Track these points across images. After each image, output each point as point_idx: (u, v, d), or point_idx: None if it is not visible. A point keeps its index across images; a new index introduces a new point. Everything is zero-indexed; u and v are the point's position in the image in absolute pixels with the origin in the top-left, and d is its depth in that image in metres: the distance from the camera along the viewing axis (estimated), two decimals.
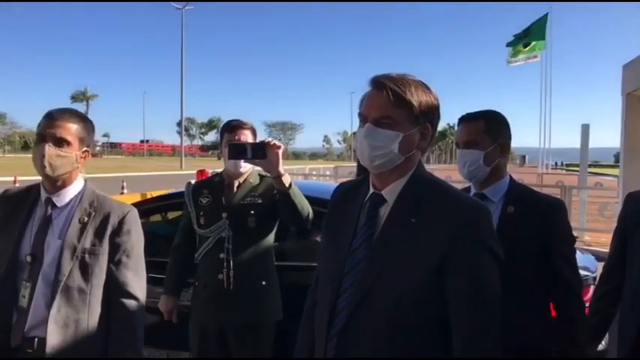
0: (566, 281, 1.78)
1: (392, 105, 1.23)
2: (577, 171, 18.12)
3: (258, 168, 2.37)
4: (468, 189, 1.99)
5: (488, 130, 1.87)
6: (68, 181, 1.76)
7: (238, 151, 2.13)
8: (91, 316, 1.72)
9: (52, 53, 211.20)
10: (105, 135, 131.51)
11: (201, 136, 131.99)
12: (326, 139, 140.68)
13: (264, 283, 2.42)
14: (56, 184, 1.75)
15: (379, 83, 1.25)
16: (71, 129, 1.71)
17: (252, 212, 2.40)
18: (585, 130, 12.23)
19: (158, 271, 2.85)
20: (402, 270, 1.19)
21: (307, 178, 17.33)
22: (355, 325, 1.23)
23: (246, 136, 2.44)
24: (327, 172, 23.02)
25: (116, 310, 1.75)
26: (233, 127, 2.45)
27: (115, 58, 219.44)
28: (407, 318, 1.19)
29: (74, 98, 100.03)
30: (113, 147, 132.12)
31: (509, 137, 1.92)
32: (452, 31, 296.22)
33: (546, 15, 25.24)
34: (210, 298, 2.41)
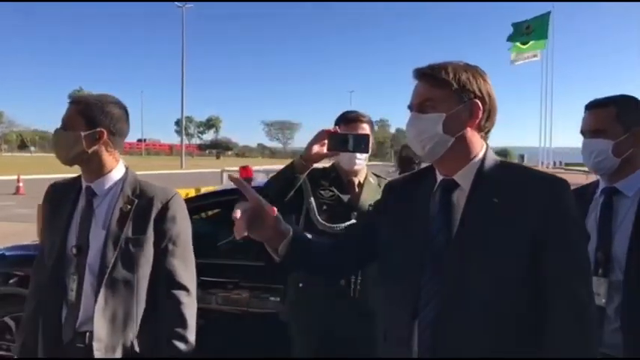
0: None
1: (430, 87, 1.25)
2: (577, 170, 18.06)
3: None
4: (595, 183, 1.86)
5: (619, 117, 1.70)
6: (102, 167, 1.72)
7: (339, 142, 1.93)
8: (139, 308, 1.67)
9: (50, 51, 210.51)
10: None
11: (199, 135, 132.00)
12: None
13: None
14: (91, 171, 1.72)
15: (417, 72, 1.29)
16: (76, 109, 1.68)
17: None
18: None
19: (201, 273, 2.80)
20: (493, 251, 1.16)
21: None
22: (451, 313, 1.18)
23: (365, 130, 2.24)
24: None
25: (165, 302, 1.68)
26: (350, 119, 2.27)
27: (112, 57, 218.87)
28: (503, 297, 1.16)
29: (71, 97, 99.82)
30: None
31: None
32: (453, 30, 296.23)
33: (548, 13, 25.31)
34: (330, 306, 2.17)
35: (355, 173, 2.30)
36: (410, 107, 1.30)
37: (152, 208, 1.70)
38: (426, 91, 1.26)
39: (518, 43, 25.40)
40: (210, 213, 3.96)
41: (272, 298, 3.06)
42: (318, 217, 2.21)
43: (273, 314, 3.05)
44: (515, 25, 25.17)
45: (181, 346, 1.66)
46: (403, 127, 1.36)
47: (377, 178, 2.39)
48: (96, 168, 1.71)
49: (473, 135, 1.27)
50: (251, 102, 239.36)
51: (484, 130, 1.29)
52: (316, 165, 2.15)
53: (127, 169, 1.78)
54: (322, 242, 1.43)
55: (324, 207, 2.23)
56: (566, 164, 42.74)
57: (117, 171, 1.75)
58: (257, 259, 3.12)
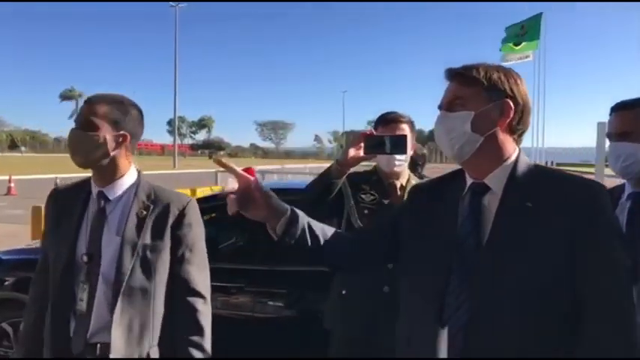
0: None
1: (460, 85, 1.24)
2: (571, 170, 18.18)
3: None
4: (620, 187, 1.79)
5: None
6: (117, 171, 1.64)
7: (375, 145, 1.85)
8: (156, 316, 1.62)
9: (41, 50, 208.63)
10: None
11: (192, 135, 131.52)
12: (317, 139, 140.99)
13: None
14: (105, 175, 1.63)
15: (448, 72, 1.27)
16: (98, 110, 1.58)
17: None
18: (602, 128, 12.28)
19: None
20: (528, 254, 1.14)
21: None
22: (484, 317, 1.16)
23: (404, 131, 2.17)
24: None
25: (181, 309, 1.64)
26: (388, 120, 2.22)
27: (104, 57, 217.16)
28: (536, 299, 1.14)
29: (63, 97, 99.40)
30: None
31: None
32: (444, 29, 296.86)
33: (540, 14, 25.42)
34: (375, 314, 2.09)
35: (397, 176, 2.26)
36: (440, 107, 1.29)
37: (169, 214, 1.65)
38: (456, 89, 1.25)
39: (510, 44, 25.51)
40: (209, 216, 3.92)
41: (272, 303, 3.04)
42: (359, 221, 2.18)
43: (275, 318, 3.04)
44: (509, 28, 25.27)
45: (197, 354, 1.62)
46: None
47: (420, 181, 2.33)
48: (111, 172, 1.64)
49: (504, 136, 1.24)
50: (244, 102, 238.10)
51: (517, 133, 1.26)
52: (357, 168, 2.10)
53: (139, 173, 1.71)
54: (335, 231, 1.41)
55: (365, 211, 2.19)
56: (558, 164, 43.04)
57: (129, 175, 1.68)
58: (260, 262, 3.11)
